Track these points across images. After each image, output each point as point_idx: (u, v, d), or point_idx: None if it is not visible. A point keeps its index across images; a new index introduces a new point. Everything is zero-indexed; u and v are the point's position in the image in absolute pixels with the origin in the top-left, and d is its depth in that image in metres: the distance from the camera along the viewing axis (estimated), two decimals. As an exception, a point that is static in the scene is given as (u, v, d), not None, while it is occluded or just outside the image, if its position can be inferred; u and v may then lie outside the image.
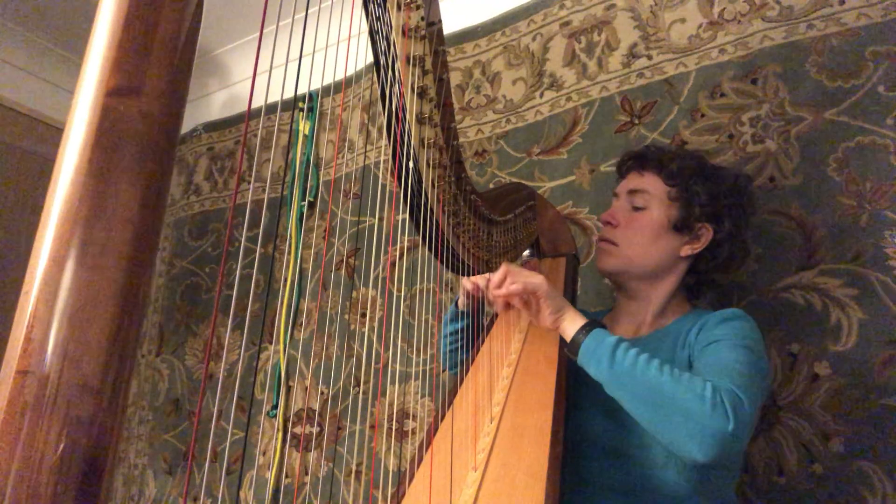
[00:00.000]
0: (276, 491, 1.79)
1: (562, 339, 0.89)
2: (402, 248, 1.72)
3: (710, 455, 0.70)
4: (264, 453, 1.86)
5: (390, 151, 0.73)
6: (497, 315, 1.09)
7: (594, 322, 0.85)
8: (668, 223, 0.98)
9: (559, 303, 0.87)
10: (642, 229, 0.99)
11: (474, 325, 1.07)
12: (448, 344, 1.12)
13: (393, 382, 1.62)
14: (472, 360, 0.99)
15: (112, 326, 0.28)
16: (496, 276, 0.89)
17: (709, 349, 0.84)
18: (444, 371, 1.21)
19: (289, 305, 1.93)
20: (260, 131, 2.24)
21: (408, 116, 0.72)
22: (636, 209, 1.01)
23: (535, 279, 0.87)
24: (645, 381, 0.75)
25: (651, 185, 1.01)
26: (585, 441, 0.91)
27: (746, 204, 1.03)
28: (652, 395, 0.74)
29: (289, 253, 1.98)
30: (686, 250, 0.98)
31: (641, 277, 1.01)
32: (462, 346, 1.09)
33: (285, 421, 1.84)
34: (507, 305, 0.91)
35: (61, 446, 0.26)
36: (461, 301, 1.06)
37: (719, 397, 0.71)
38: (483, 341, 1.03)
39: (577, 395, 0.95)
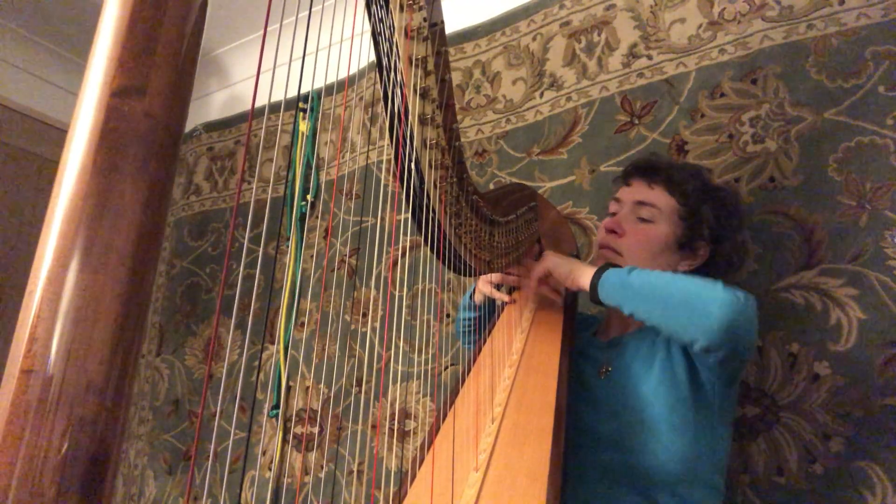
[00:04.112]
0: (277, 491, 1.79)
1: (564, 336, 0.90)
2: (402, 248, 1.72)
3: (725, 316, 0.74)
4: (265, 453, 1.86)
5: (392, 152, 0.73)
6: (502, 310, 1.13)
7: (606, 265, 0.93)
8: (674, 240, 0.99)
9: (569, 265, 0.97)
10: (649, 242, 0.99)
11: (488, 314, 1.15)
12: (463, 326, 1.21)
13: (394, 382, 1.62)
14: (478, 352, 1.03)
15: (116, 326, 0.28)
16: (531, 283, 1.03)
17: None
18: (459, 343, 1.33)
19: (289, 305, 1.93)
20: (261, 131, 2.24)
21: (410, 118, 0.72)
22: (642, 220, 1.00)
23: (540, 262, 1.00)
24: (660, 283, 0.83)
25: (661, 200, 1.00)
26: (582, 431, 0.92)
27: (742, 221, 1.07)
28: (667, 291, 0.81)
29: (289, 253, 1.98)
30: (684, 266, 1.01)
31: None
32: (476, 329, 1.18)
33: (286, 421, 1.84)
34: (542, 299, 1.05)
35: (65, 446, 0.26)
36: (478, 297, 1.14)
37: (729, 287, 0.77)
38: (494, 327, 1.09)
39: (576, 389, 0.95)
